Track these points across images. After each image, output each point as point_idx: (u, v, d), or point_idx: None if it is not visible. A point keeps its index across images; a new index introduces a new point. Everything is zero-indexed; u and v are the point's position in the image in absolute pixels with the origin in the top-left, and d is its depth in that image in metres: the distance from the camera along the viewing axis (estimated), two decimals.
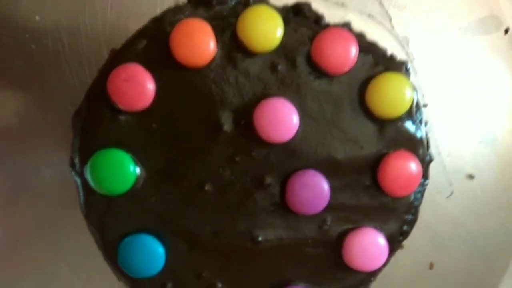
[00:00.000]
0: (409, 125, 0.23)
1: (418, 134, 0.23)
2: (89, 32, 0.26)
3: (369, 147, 0.22)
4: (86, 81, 0.26)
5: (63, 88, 0.26)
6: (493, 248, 0.28)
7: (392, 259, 0.26)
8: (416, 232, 0.27)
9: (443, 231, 0.28)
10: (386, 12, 0.27)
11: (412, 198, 0.23)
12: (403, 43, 0.28)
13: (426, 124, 0.24)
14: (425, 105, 0.28)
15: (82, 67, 0.26)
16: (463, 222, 0.28)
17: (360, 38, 0.23)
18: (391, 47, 0.27)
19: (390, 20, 0.27)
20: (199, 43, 0.21)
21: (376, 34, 0.27)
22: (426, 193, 0.27)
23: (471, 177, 0.28)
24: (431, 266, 0.28)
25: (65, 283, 0.26)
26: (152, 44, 0.21)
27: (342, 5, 0.27)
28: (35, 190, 0.26)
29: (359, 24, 0.27)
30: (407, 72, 0.24)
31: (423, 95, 0.28)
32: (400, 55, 0.27)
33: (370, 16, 0.27)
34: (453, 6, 0.28)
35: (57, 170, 0.25)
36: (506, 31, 0.28)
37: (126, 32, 0.25)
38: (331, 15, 0.26)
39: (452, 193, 0.28)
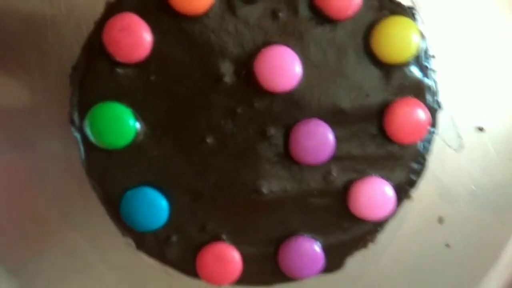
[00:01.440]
0: (416, 71, 0.22)
1: (426, 81, 0.22)
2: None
3: (375, 94, 0.22)
4: (83, 39, 0.25)
5: (61, 49, 0.25)
6: (503, 201, 0.28)
7: (400, 212, 0.25)
8: (424, 186, 0.26)
9: (452, 184, 0.28)
10: None
11: (419, 146, 0.22)
12: None
13: (434, 71, 0.24)
14: (432, 56, 0.27)
15: (80, 26, 0.25)
16: (473, 175, 0.28)
17: None
18: None
19: None
20: None
21: None
22: (434, 147, 0.26)
23: (480, 129, 0.27)
24: (440, 220, 0.28)
25: (72, 247, 0.27)
26: None
27: None
28: (42, 163, 0.26)
29: None
30: (414, 18, 0.23)
31: (430, 46, 0.27)
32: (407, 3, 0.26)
33: None
34: None
35: (62, 142, 0.25)
36: None
37: None
38: None
39: (461, 146, 0.27)
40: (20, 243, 0.27)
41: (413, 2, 0.26)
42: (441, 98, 0.26)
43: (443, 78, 0.26)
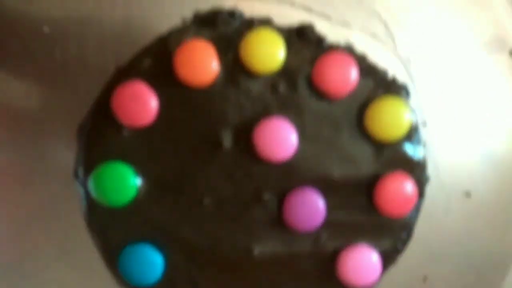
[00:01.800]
0: (406, 148, 0.23)
1: (416, 156, 0.23)
2: (96, 44, 0.26)
3: (366, 167, 0.23)
4: (92, 90, 0.26)
5: (69, 97, 0.26)
6: (488, 265, 0.29)
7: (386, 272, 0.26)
8: (411, 246, 0.27)
9: (438, 246, 0.29)
10: (390, 32, 0.27)
11: (407, 217, 0.23)
12: (406, 63, 0.28)
13: (424, 145, 0.25)
14: (424, 124, 0.28)
15: (89, 77, 0.26)
16: (459, 238, 0.29)
17: (362, 60, 0.23)
18: (393, 66, 0.27)
19: (394, 40, 0.28)
20: (202, 64, 0.21)
21: (379, 54, 0.27)
22: (423, 209, 0.27)
23: (468, 194, 0.28)
24: (424, 279, 0.29)
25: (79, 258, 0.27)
26: (156, 63, 0.22)
27: (346, 24, 0.27)
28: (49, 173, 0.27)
29: (362, 43, 0.27)
30: (407, 94, 0.24)
31: (423, 115, 0.28)
32: (402, 75, 0.28)
33: (373, 35, 0.27)
34: (458, 27, 0.28)
35: (67, 149, 0.26)
36: (511, 52, 0.28)
37: (133, 45, 0.26)
38: (335, 34, 0.27)
39: (448, 210, 0.28)
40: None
41: (409, 75, 0.28)
42: (431, 163, 0.28)
43: (434, 145, 0.28)
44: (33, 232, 0.27)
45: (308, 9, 0.28)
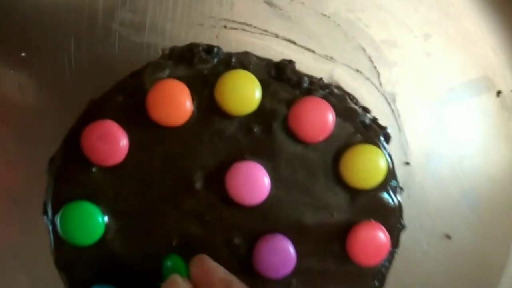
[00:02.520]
0: (381, 195, 0.22)
1: (391, 203, 0.23)
2: (74, 71, 0.26)
3: (339, 215, 0.22)
4: (68, 118, 0.26)
5: (43, 124, 0.26)
6: None
7: None
8: (388, 284, 0.27)
9: (415, 286, 0.28)
10: (375, 68, 0.27)
11: (379, 266, 0.23)
12: (390, 99, 0.27)
13: (401, 190, 0.24)
14: (407, 163, 0.28)
15: (64, 105, 0.26)
16: (435, 280, 0.28)
17: (341, 102, 0.23)
18: (377, 103, 0.27)
19: (379, 76, 0.27)
20: (175, 105, 0.21)
21: (363, 90, 0.27)
22: (401, 250, 0.27)
23: (448, 237, 0.28)
24: None
25: None
26: (128, 101, 0.22)
27: (331, 58, 0.26)
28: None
29: (346, 79, 0.27)
30: (386, 138, 0.24)
31: (406, 153, 0.28)
32: (385, 112, 0.27)
33: (358, 71, 0.27)
34: (445, 66, 0.27)
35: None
36: (498, 93, 0.28)
37: (111, 74, 0.25)
38: (319, 68, 0.26)
39: (427, 252, 0.28)
40: None
41: (393, 112, 0.27)
42: (412, 205, 0.27)
43: (415, 185, 0.27)
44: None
45: (292, 42, 0.27)
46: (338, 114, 0.22)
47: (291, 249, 0.22)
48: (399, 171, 0.25)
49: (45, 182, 0.23)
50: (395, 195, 0.23)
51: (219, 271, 0.20)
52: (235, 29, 0.26)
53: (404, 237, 0.26)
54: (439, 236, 0.28)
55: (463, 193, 0.28)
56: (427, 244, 0.28)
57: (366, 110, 0.24)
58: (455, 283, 0.28)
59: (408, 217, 0.26)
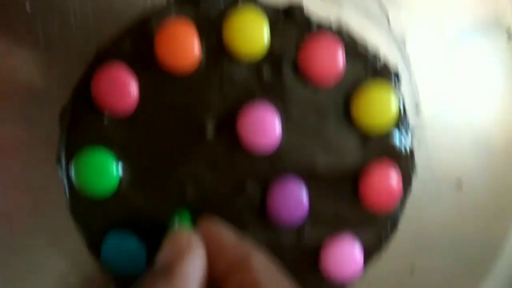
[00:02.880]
0: (393, 138, 0.22)
1: (402, 147, 0.23)
2: (78, 22, 0.25)
3: (351, 158, 0.22)
4: (75, 69, 0.25)
5: (52, 76, 0.26)
6: (476, 254, 0.29)
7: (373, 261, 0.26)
8: (398, 237, 0.27)
9: (426, 237, 0.28)
10: (384, 10, 0.26)
11: (391, 211, 0.23)
12: (400, 44, 0.27)
13: (413, 134, 0.24)
14: (417, 109, 0.27)
15: (71, 58, 0.25)
16: (448, 227, 0.28)
17: (351, 44, 0.22)
18: (386, 48, 0.26)
19: (388, 19, 0.26)
20: (183, 45, 0.21)
21: (371, 34, 0.26)
22: (413, 197, 0.27)
23: (459, 184, 0.28)
24: (412, 268, 0.28)
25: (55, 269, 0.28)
26: (136, 45, 0.21)
27: (338, 1, 0.26)
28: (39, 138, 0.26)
29: (354, 22, 0.26)
30: (397, 81, 0.23)
31: (416, 98, 0.27)
32: (396, 56, 0.26)
33: (366, 14, 0.26)
34: (454, 7, 0.26)
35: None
36: (508, 32, 0.27)
37: (116, 24, 0.24)
38: (326, 12, 0.25)
39: (439, 199, 0.28)
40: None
41: (404, 56, 0.26)
42: (423, 151, 0.27)
43: (426, 132, 0.27)
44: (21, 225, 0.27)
45: None
46: (348, 54, 0.21)
47: (304, 193, 0.22)
48: (410, 119, 0.25)
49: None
50: (407, 138, 0.23)
51: (231, 235, 0.20)
52: None
53: (415, 185, 0.26)
54: (451, 184, 0.28)
55: (474, 140, 0.28)
56: (438, 191, 0.28)
57: (376, 54, 0.24)
58: (466, 230, 0.28)
59: (419, 164, 0.26)
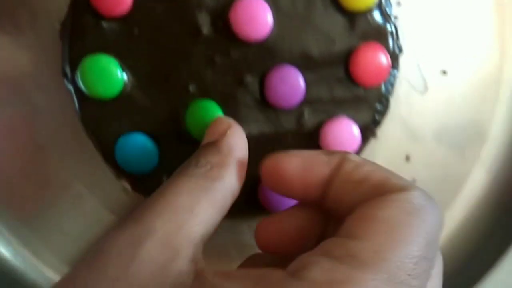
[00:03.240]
0: (378, 17, 0.24)
1: (387, 26, 0.24)
2: None
3: (341, 41, 0.24)
4: None
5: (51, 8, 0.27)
6: (465, 139, 0.30)
7: (370, 151, 0.28)
8: (392, 127, 0.29)
9: (418, 125, 0.30)
10: None
11: (382, 88, 0.25)
12: None
13: (395, 18, 0.26)
14: (399, 4, 0.29)
15: None
16: (438, 116, 0.30)
17: None
18: None
19: None
20: None
21: None
22: (401, 90, 0.29)
23: (444, 72, 0.30)
24: (407, 158, 0.30)
25: (74, 195, 0.29)
26: None
27: None
28: (40, 117, 0.28)
29: None
30: None
31: None
32: None
33: None
34: None
35: (52, 93, 0.27)
36: None
37: None
38: None
39: (426, 88, 0.29)
40: (23, 194, 0.30)
41: None
42: (407, 43, 0.28)
43: (409, 25, 0.28)
44: (46, 162, 0.29)
45: None
46: None
47: (300, 78, 0.23)
48: (394, 11, 0.26)
49: None
50: (391, 18, 0.24)
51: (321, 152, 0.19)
52: None
53: (403, 77, 0.28)
54: (436, 73, 0.30)
55: (456, 29, 0.29)
56: (424, 81, 0.29)
57: None
58: (454, 115, 0.30)
59: (404, 55, 0.27)
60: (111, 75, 0.23)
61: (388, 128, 0.28)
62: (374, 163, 0.19)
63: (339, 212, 0.18)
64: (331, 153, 0.19)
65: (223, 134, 0.21)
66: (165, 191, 0.19)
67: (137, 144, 0.24)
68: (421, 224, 0.16)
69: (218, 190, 0.19)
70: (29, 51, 0.26)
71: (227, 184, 0.19)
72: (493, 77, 0.30)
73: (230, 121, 0.21)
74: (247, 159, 0.21)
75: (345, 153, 0.19)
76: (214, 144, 0.20)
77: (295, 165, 0.19)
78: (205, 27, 0.23)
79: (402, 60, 0.26)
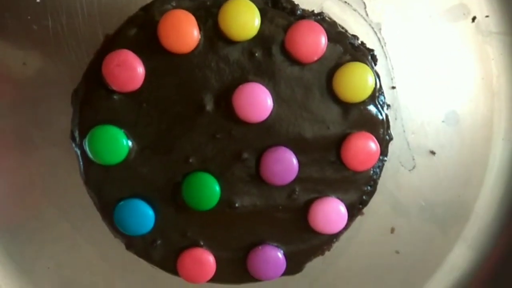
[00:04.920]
0: (371, 108, 0.25)
1: (379, 116, 0.26)
2: (85, 14, 0.28)
3: (334, 127, 0.25)
4: (83, 57, 0.29)
5: (62, 64, 0.28)
6: (449, 216, 0.32)
7: (357, 223, 0.29)
8: (379, 200, 0.30)
9: (404, 200, 0.32)
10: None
11: (371, 172, 0.26)
12: (376, 29, 0.30)
13: (388, 107, 0.27)
14: (393, 87, 0.30)
15: (79, 45, 0.28)
16: (423, 192, 0.32)
17: (332, 27, 0.25)
18: (364, 32, 0.29)
19: (365, 7, 0.29)
20: (184, 32, 0.23)
21: (350, 20, 0.29)
22: (390, 165, 0.30)
23: (433, 153, 0.31)
24: (392, 230, 0.32)
25: (68, 240, 0.30)
26: (141, 32, 0.24)
27: None
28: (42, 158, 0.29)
29: (334, 10, 0.29)
30: (373, 59, 0.26)
31: (392, 77, 0.30)
32: (372, 40, 0.30)
33: (346, 3, 0.29)
34: None
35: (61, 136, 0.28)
36: (473, 19, 0.30)
37: (120, 14, 0.27)
38: (309, 2, 0.28)
39: (414, 167, 0.31)
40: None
41: (379, 40, 0.30)
42: (398, 123, 0.30)
43: (402, 106, 0.30)
44: (34, 194, 0.30)
45: None
46: (329, 37, 0.24)
47: (294, 160, 0.25)
48: (386, 95, 0.28)
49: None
50: (383, 109, 0.26)
51: None
52: None
53: (393, 154, 0.30)
54: (425, 153, 0.31)
55: (445, 113, 0.31)
56: (413, 160, 0.31)
57: (354, 36, 0.27)
58: (440, 193, 0.32)
59: (395, 135, 0.29)
60: (117, 145, 0.24)
61: (375, 202, 0.29)
62: None
63: None
64: None
65: None
66: None
67: (135, 209, 0.25)
68: None
69: None
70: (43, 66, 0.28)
71: None
72: (480, 160, 0.32)
73: None
74: None
75: None
76: None
77: None
78: (209, 106, 0.25)
79: (393, 139, 0.28)
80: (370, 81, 0.24)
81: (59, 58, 0.28)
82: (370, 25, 0.29)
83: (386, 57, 0.30)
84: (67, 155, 0.28)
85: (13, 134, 0.29)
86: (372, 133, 0.25)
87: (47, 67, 0.28)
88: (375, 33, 0.29)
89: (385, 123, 0.26)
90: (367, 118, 0.25)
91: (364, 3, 0.29)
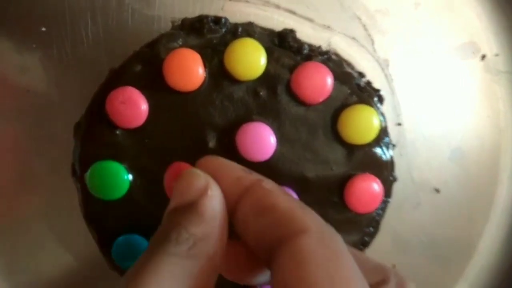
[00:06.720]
0: (375, 150, 0.25)
1: (384, 158, 0.25)
2: (90, 43, 0.28)
3: (338, 168, 0.25)
4: (87, 86, 0.28)
5: (66, 92, 0.28)
6: (451, 254, 0.32)
7: None
8: (382, 237, 0.30)
9: (407, 236, 0.31)
10: (369, 36, 0.29)
11: (374, 214, 0.26)
12: (383, 65, 0.29)
13: (393, 147, 0.27)
14: (399, 124, 0.30)
15: (83, 74, 0.28)
16: (427, 229, 0.31)
17: (338, 67, 0.25)
18: (372, 68, 0.29)
19: (373, 43, 0.29)
20: (189, 71, 0.23)
21: (358, 56, 0.29)
22: (394, 202, 0.30)
23: (437, 190, 0.31)
24: (393, 267, 0.31)
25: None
26: (146, 69, 0.24)
27: (328, 27, 0.29)
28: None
29: (342, 46, 0.29)
30: (380, 100, 0.26)
31: (398, 114, 0.30)
32: (379, 76, 0.29)
33: (353, 39, 0.29)
34: (433, 32, 0.29)
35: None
36: (483, 57, 0.30)
37: (125, 43, 0.27)
38: (317, 37, 0.28)
39: (418, 203, 0.31)
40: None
41: (386, 76, 0.29)
42: (404, 161, 0.30)
43: (407, 144, 0.30)
44: (34, 226, 0.30)
45: (292, 12, 0.29)
46: (335, 77, 0.24)
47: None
48: (392, 131, 0.28)
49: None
50: (388, 151, 0.25)
51: (236, 165, 0.19)
52: (239, 1, 0.28)
53: (397, 190, 0.29)
54: (429, 190, 0.31)
55: (451, 150, 0.31)
56: (417, 196, 0.31)
57: (361, 74, 0.27)
58: (443, 231, 0.31)
59: (400, 172, 0.29)
60: (118, 181, 0.24)
61: (378, 238, 0.29)
62: (284, 193, 0.18)
63: (248, 241, 0.18)
64: (245, 174, 0.18)
65: (203, 193, 0.18)
66: (145, 273, 0.17)
67: (135, 245, 0.25)
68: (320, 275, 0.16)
69: (204, 272, 0.17)
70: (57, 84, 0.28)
71: (213, 261, 0.17)
72: (485, 198, 0.31)
73: (207, 176, 0.18)
74: (228, 223, 0.18)
75: (259, 180, 0.18)
76: (195, 209, 0.17)
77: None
78: (212, 142, 0.24)
79: (398, 175, 0.28)
80: (376, 123, 0.24)
81: (63, 85, 0.28)
82: (377, 61, 0.29)
83: (392, 93, 0.29)
84: (68, 185, 0.28)
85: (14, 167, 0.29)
86: (376, 175, 0.25)
87: (51, 94, 0.28)
88: (382, 69, 0.29)
89: (390, 165, 0.26)
90: (371, 160, 0.25)
91: (371, 39, 0.29)
